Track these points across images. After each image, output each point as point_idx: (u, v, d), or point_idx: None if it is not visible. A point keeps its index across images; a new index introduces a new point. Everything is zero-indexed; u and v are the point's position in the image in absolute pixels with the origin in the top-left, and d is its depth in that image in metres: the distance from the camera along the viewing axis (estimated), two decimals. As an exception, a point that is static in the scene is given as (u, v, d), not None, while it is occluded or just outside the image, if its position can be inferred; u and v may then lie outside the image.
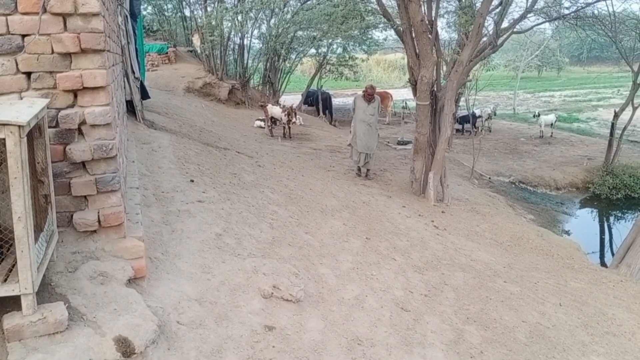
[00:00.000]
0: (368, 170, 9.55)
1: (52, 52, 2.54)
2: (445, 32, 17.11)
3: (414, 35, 7.67)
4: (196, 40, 18.49)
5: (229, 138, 10.17)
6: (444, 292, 4.55)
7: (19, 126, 1.99)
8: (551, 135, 17.94)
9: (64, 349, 2.20)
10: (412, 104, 20.91)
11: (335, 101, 23.64)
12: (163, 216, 4.07)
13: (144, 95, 8.94)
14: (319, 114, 20.01)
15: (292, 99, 21.85)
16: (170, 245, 3.59)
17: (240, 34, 17.29)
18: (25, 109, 2.22)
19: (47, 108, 2.55)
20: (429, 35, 7.21)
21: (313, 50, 19.77)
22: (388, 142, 14.79)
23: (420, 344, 3.47)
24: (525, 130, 19.62)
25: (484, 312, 4.32)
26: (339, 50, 19.75)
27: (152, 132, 7.39)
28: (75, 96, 2.65)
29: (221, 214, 4.54)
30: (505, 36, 8.79)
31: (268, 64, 18.64)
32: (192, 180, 5.30)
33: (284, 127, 13.77)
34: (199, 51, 18.69)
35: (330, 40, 16.62)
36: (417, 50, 7.75)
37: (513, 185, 12.80)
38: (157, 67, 17.83)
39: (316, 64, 20.89)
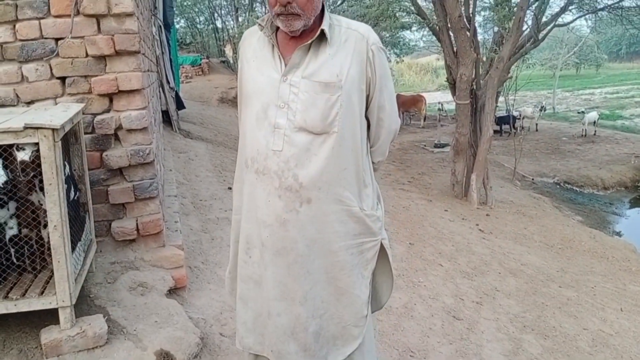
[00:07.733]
0: None
1: (87, 55, 2.46)
2: (479, 31, 16.66)
3: (451, 32, 7.43)
4: (229, 50, 18.62)
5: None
6: (496, 298, 4.29)
7: (53, 129, 1.88)
8: (594, 134, 17.18)
9: (104, 365, 2.08)
10: (447, 106, 20.40)
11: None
12: (202, 224, 3.97)
13: (179, 105, 8.94)
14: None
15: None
16: (211, 254, 3.47)
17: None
18: (60, 113, 2.13)
19: (83, 113, 2.46)
20: (467, 32, 6.96)
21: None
22: (425, 146, 14.48)
23: (477, 355, 3.23)
24: (566, 130, 18.88)
25: (541, 319, 4.04)
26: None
27: (189, 141, 7.35)
28: (111, 100, 2.55)
29: (260, 221, 4.40)
30: (546, 30, 8.46)
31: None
32: (229, 188, 5.20)
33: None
34: (231, 61, 18.80)
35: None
36: (455, 48, 7.50)
37: (558, 186, 12.30)
38: (190, 78, 17.99)
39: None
